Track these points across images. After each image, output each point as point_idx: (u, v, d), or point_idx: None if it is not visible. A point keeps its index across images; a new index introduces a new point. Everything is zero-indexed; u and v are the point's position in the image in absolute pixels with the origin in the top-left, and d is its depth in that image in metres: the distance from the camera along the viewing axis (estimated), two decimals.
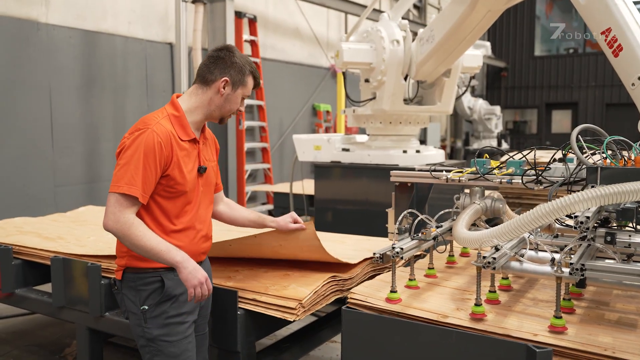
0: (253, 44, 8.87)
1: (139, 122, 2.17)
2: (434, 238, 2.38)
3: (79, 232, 3.79)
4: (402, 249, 2.13)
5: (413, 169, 2.92)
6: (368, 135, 4.96)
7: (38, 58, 5.99)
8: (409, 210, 2.68)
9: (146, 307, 2.20)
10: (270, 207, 8.57)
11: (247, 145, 8.62)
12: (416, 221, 2.44)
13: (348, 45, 4.46)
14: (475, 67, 4.84)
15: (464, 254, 2.86)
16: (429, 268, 2.54)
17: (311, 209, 5.55)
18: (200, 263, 2.38)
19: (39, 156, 6.05)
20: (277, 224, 2.57)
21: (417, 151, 4.68)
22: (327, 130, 10.71)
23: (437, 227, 2.49)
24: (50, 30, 6.10)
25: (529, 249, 2.19)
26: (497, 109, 13.76)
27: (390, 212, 2.95)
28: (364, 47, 4.48)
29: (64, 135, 6.28)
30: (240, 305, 2.54)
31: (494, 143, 13.53)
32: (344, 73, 4.64)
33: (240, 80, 2.26)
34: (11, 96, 5.78)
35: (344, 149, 4.87)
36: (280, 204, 6.93)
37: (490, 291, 2.14)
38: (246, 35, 8.70)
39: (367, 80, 4.62)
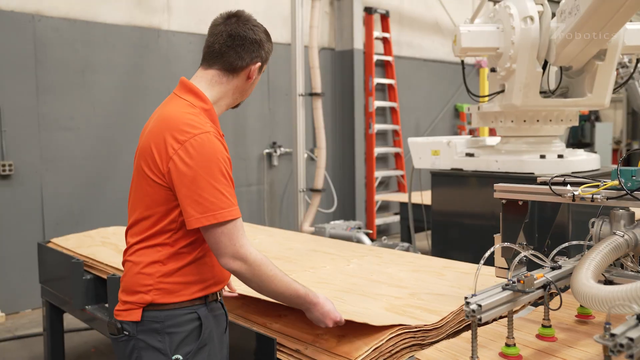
0: (385, 41, 8.26)
1: (178, 126, 1.64)
2: (545, 286, 1.58)
3: None
4: (479, 306, 1.38)
5: (534, 180, 2.11)
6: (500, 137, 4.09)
7: (158, 64, 6.00)
8: (518, 243, 1.90)
9: (180, 357, 1.70)
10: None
11: (378, 150, 8.02)
12: (518, 258, 1.66)
13: (467, 27, 3.67)
14: None
15: None
16: (544, 326, 1.74)
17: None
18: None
19: None
20: None
21: (560, 156, 3.70)
22: (471, 133, 9.72)
23: (554, 267, 1.68)
24: (170, 37, 6.09)
25: None
26: None
27: (497, 238, 2.16)
28: (488, 28, 3.65)
29: None
30: (280, 356, 1.96)
31: None
32: (462, 62, 3.85)
33: (267, 56, 1.87)
34: (132, 103, 5.84)
35: (467, 154, 4.06)
36: (405, 214, 6.23)
37: None
38: (377, 32, 8.12)
39: (493, 70, 3.77)
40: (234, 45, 1.79)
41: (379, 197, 7.66)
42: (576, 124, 3.99)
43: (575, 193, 1.80)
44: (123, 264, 1.78)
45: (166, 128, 1.66)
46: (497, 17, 3.71)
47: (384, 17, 8.24)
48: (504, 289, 1.50)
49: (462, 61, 3.83)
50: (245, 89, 1.86)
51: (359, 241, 5.30)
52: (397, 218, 8.07)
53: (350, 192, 7.81)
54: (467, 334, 1.83)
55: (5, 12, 5.04)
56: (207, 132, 1.64)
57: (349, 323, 2.06)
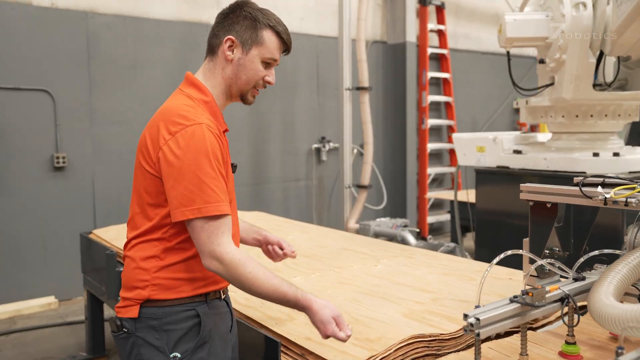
0: (440, 33, 8.01)
1: (176, 116, 1.60)
2: (562, 300, 1.42)
3: None
4: (478, 320, 1.25)
5: (570, 179, 1.93)
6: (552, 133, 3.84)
7: None
8: (548, 249, 1.74)
9: (178, 355, 1.65)
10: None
11: (431, 146, 7.79)
12: (534, 266, 1.50)
13: (513, 16, 3.45)
14: None
15: None
16: (567, 343, 1.57)
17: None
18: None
19: None
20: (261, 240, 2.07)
21: (616, 154, 3.42)
22: (532, 129, 9.27)
23: (576, 279, 1.52)
24: None
25: None
26: None
27: (526, 242, 1.99)
28: (536, 17, 3.42)
29: (230, 136, 6.24)
30: (284, 359, 1.88)
31: None
32: (508, 53, 3.62)
33: (252, 36, 1.69)
34: None
35: (515, 151, 3.83)
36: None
37: None
38: (432, 25, 7.87)
39: (541, 61, 3.54)
40: (214, 25, 1.75)
41: (431, 194, 7.44)
42: (637, 119, 3.68)
43: (607, 196, 1.62)
44: (123, 259, 1.75)
45: (161, 120, 1.62)
46: (547, 5, 3.47)
47: (440, 9, 7.98)
48: (511, 301, 1.36)
49: (508, 52, 3.61)
50: (232, 73, 1.71)
51: (403, 240, 5.15)
52: (449, 216, 7.83)
53: (401, 189, 7.63)
54: (496, 343, 1.68)
55: (61, 10, 5.22)
56: (200, 123, 1.58)
57: (359, 329, 1.96)
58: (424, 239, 6.57)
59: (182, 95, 1.71)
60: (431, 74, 7.82)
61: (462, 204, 5.13)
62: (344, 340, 1.60)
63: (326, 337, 1.60)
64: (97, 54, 5.39)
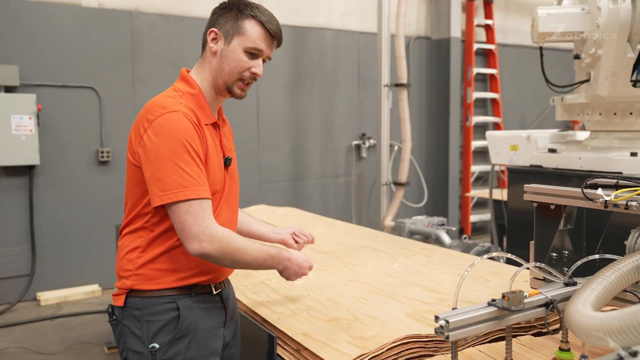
0: (488, 28, 7.81)
1: (155, 106, 1.63)
2: (547, 305, 1.38)
3: None
4: (447, 322, 1.23)
5: (585, 180, 1.85)
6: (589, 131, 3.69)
7: None
8: (552, 252, 1.68)
9: (156, 346, 1.67)
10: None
11: (476, 143, 7.62)
12: (519, 270, 1.45)
13: (546, 10, 3.32)
14: None
15: None
16: (561, 349, 1.52)
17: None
18: (226, 286, 1.88)
19: (245, 152, 6.20)
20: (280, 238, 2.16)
21: None
22: (585, 127, 8.90)
23: (568, 284, 1.46)
24: None
25: None
26: None
27: (532, 245, 1.93)
28: (570, 10, 3.29)
29: (269, 132, 6.34)
30: (281, 353, 1.90)
31: None
32: (540, 49, 3.49)
33: (234, 27, 1.70)
34: None
35: (550, 150, 3.70)
36: (497, 212, 5.84)
37: None
38: (480, 19, 7.69)
39: (577, 57, 3.40)
40: (207, 23, 1.79)
41: (475, 192, 7.27)
42: None
43: (607, 199, 1.55)
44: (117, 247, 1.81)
45: (143, 111, 1.66)
46: None
47: (488, 3, 7.78)
48: (489, 304, 1.32)
49: (541, 48, 3.49)
50: (216, 65, 1.72)
51: (437, 238, 5.07)
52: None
53: (443, 187, 7.51)
54: (472, 351, 1.65)
55: (108, 10, 5.42)
56: (176, 111, 1.60)
57: (357, 327, 1.95)
58: (468, 237, 6.44)
59: (170, 89, 1.75)
60: (477, 69, 7.64)
61: (501, 204, 5.00)
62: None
63: (310, 268, 1.85)
64: (140, 51, 5.57)
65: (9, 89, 4.97)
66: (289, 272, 1.80)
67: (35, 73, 5.12)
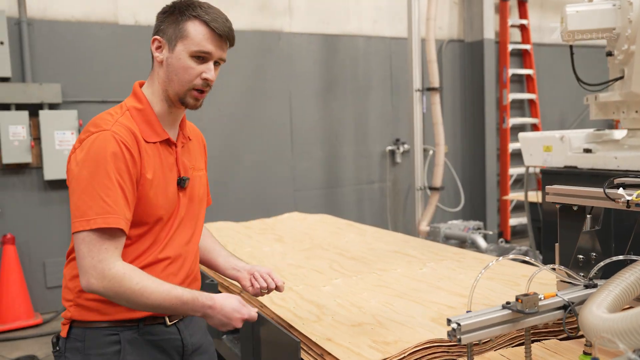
0: (523, 28, 7.68)
1: (89, 125, 1.54)
2: (565, 307, 1.36)
3: (252, 242, 3.64)
4: (459, 325, 1.23)
5: (608, 179, 1.81)
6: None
7: (279, 66, 6.22)
8: (577, 254, 1.65)
9: None
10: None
11: (513, 145, 7.49)
12: (536, 272, 1.44)
13: (576, 7, 3.26)
14: None
15: None
16: (585, 353, 1.49)
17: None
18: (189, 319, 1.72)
19: (279, 161, 6.28)
20: (235, 275, 1.87)
21: None
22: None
23: (588, 286, 1.44)
24: (291, 39, 6.28)
25: None
26: None
27: (557, 247, 1.90)
28: (601, 7, 3.22)
29: (303, 140, 6.40)
30: (305, 358, 1.92)
31: None
32: (571, 47, 3.42)
33: (175, 31, 1.53)
34: (255, 104, 6.13)
35: (585, 150, 3.61)
36: (535, 215, 5.72)
37: None
38: (514, 20, 7.57)
39: (609, 54, 3.32)
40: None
41: (513, 195, 7.14)
42: None
43: (629, 198, 1.52)
44: None
45: (82, 130, 1.57)
46: None
47: (522, 3, 7.65)
48: (503, 307, 1.32)
49: (571, 47, 3.42)
50: (165, 75, 1.57)
51: (473, 242, 5.01)
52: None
53: (480, 191, 7.40)
54: (493, 355, 1.63)
55: (143, 27, 5.59)
56: (105, 130, 1.48)
57: (380, 332, 1.96)
58: (505, 241, 6.33)
59: (118, 105, 1.64)
60: (512, 70, 7.52)
61: (537, 206, 4.90)
62: (255, 318, 1.57)
63: (242, 321, 1.54)
64: None
65: (52, 106, 5.18)
66: (213, 321, 1.55)
67: (76, 90, 5.32)
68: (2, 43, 4.84)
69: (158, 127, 1.61)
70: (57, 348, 1.60)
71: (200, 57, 1.56)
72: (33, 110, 5.09)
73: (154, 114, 1.61)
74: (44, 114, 5.07)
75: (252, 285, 1.84)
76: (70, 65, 5.30)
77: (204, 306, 1.51)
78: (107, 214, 1.43)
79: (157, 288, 1.46)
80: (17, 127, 4.97)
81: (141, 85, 1.67)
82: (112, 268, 1.42)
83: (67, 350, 1.57)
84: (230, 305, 1.53)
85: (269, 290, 1.86)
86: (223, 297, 1.55)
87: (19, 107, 5.03)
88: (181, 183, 1.64)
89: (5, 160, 4.97)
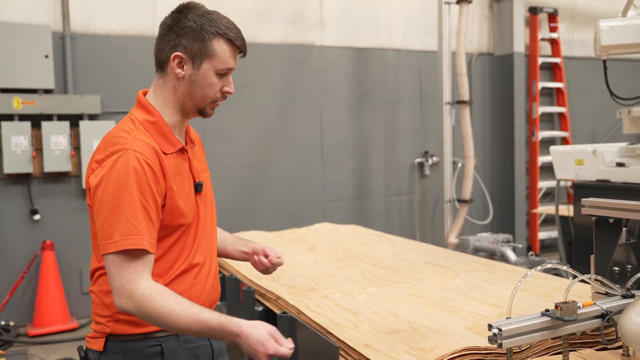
0: (553, 42, 7.67)
1: (106, 144, 1.53)
2: (603, 316, 1.40)
3: (284, 251, 3.72)
4: (500, 330, 1.28)
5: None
6: None
7: (310, 79, 6.33)
8: (613, 267, 1.69)
9: None
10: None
11: (542, 159, 7.45)
12: (573, 282, 1.48)
13: (609, 23, 3.28)
14: None
15: None
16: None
17: None
18: None
19: (310, 172, 6.36)
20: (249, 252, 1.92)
21: None
22: None
23: (625, 296, 1.47)
24: (322, 52, 6.39)
25: None
26: None
27: (592, 259, 1.93)
28: (635, 22, 3.23)
29: (333, 152, 6.48)
30: None
31: None
32: (604, 62, 3.44)
33: (202, 49, 1.55)
34: (286, 116, 6.24)
35: (618, 164, 3.62)
36: (565, 229, 5.68)
37: None
38: (544, 33, 7.57)
39: None
40: (157, 38, 1.63)
41: (542, 209, 7.09)
42: None
43: None
44: (89, 292, 1.68)
45: (97, 148, 1.56)
46: None
47: (552, 16, 7.64)
48: (542, 314, 1.36)
49: (604, 61, 3.44)
50: (185, 91, 1.60)
51: (503, 255, 5.01)
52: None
53: (509, 204, 7.37)
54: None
55: None
56: (126, 149, 1.49)
57: (417, 339, 2.01)
58: (535, 255, 6.29)
59: (127, 118, 1.63)
60: (542, 84, 7.51)
61: (568, 220, 4.88)
62: (287, 356, 1.46)
63: (269, 357, 1.44)
64: None
65: (92, 117, 5.37)
66: (242, 348, 1.50)
67: (115, 101, 5.50)
68: (47, 56, 5.05)
69: (172, 137, 1.62)
70: None
71: (223, 74, 1.62)
72: (73, 120, 5.28)
73: (167, 125, 1.61)
74: (84, 125, 5.25)
75: (257, 264, 1.91)
76: (110, 78, 5.48)
77: (232, 334, 1.47)
78: (132, 235, 1.45)
79: (183, 312, 1.45)
80: (59, 136, 5.15)
81: (145, 93, 1.67)
82: (138, 288, 1.44)
83: None
84: (256, 337, 1.45)
85: (273, 268, 1.91)
86: (252, 326, 1.48)
87: (61, 117, 5.23)
88: (198, 188, 1.67)
89: (47, 169, 5.16)
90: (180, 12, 1.59)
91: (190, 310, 1.47)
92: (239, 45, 1.61)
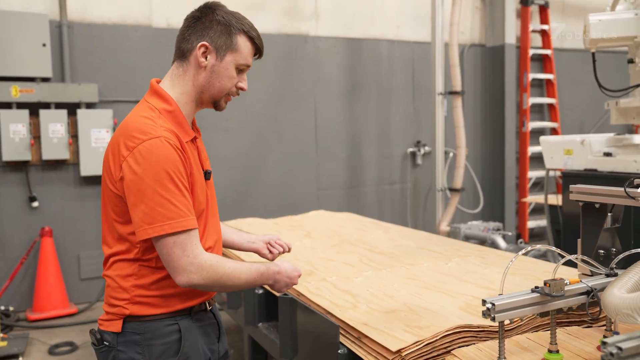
0: (544, 33, 7.78)
1: (131, 131, 1.57)
2: (588, 293, 1.51)
3: (282, 237, 3.80)
4: (493, 305, 1.39)
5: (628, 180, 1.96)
6: None
7: (305, 69, 6.41)
8: (598, 249, 1.80)
9: None
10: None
11: (532, 149, 7.59)
12: (561, 262, 1.59)
13: (598, 16, 3.39)
14: None
15: None
16: (605, 337, 1.64)
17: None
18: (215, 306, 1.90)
19: (304, 161, 6.46)
20: (254, 247, 2.14)
21: None
22: None
23: (609, 275, 1.59)
24: (317, 42, 6.46)
25: None
26: None
27: (579, 243, 2.04)
28: (623, 16, 3.34)
29: (327, 141, 6.57)
30: (343, 341, 2.09)
31: None
32: (593, 54, 3.55)
33: (227, 42, 1.66)
34: (281, 106, 6.32)
35: (605, 154, 3.75)
36: (554, 218, 5.83)
37: None
38: (535, 25, 7.68)
39: (631, 61, 3.45)
40: (184, 29, 1.70)
41: (532, 198, 7.24)
42: None
43: None
44: (103, 277, 1.75)
45: (120, 135, 1.59)
46: (638, 3, 3.38)
47: (543, 8, 7.75)
48: (532, 291, 1.47)
49: (593, 54, 3.54)
50: (205, 80, 1.67)
51: (493, 243, 5.14)
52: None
53: (499, 193, 7.52)
54: (520, 338, 1.79)
55: (175, 29, 5.77)
56: (157, 137, 1.54)
57: (413, 318, 2.12)
58: (524, 242, 6.44)
59: (144, 105, 1.66)
60: (533, 75, 7.63)
61: (557, 209, 5.01)
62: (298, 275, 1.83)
63: (298, 278, 1.82)
64: None
65: (89, 105, 5.42)
66: (279, 285, 1.77)
67: (112, 90, 5.55)
68: (44, 45, 5.09)
69: (187, 126, 1.69)
70: (106, 343, 1.66)
71: (241, 69, 1.73)
72: (71, 109, 5.33)
73: (182, 115, 1.68)
74: (81, 113, 5.31)
75: (271, 252, 2.14)
76: (107, 66, 5.53)
77: (274, 272, 1.75)
78: (180, 217, 1.54)
79: (241, 267, 1.66)
80: (57, 124, 5.21)
81: (158, 82, 1.73)
82: (206, 260, 1.58)
83: (120, 344, 1.65)
84: (290, 267, 1.80)
85: (283, 252, 2.18)
86: (281, 263, 1.80)
87: (58, 105, 5.28)
88: (206, 176, 1.75)
89: (45, 157, 5.21)
90: (209, 8, 1.70)
91: (244, 265, 1.69)
92: (259, 45, 1.73)
